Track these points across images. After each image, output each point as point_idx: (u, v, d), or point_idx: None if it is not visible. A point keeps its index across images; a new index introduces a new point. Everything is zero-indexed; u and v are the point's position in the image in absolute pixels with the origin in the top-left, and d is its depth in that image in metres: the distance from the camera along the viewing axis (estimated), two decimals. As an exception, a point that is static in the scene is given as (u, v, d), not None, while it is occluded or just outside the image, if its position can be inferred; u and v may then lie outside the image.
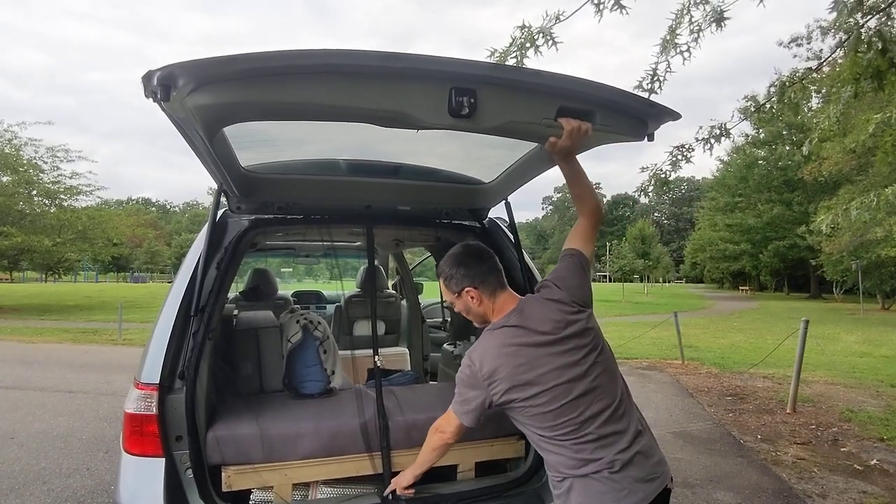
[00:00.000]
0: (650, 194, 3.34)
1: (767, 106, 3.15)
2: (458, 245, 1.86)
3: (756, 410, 6.18)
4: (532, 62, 2.45)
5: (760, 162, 42.33)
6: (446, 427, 1.85)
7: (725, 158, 46.56)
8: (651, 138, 1.80)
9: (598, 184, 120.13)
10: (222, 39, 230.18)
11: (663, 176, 3.25)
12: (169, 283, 2.70)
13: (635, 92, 2.96)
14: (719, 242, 45.20)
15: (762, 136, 40.81)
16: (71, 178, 20.68)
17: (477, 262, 1.77)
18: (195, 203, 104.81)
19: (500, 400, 1.66)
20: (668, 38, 3.04)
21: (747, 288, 51.59)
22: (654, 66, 2.82)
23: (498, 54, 2.48)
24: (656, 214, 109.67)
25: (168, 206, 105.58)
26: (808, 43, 21.97)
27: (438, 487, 2.23)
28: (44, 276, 52.47)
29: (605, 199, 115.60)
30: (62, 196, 20.66)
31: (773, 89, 3.52)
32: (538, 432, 1.66)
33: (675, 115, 1.73)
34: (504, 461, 2.51)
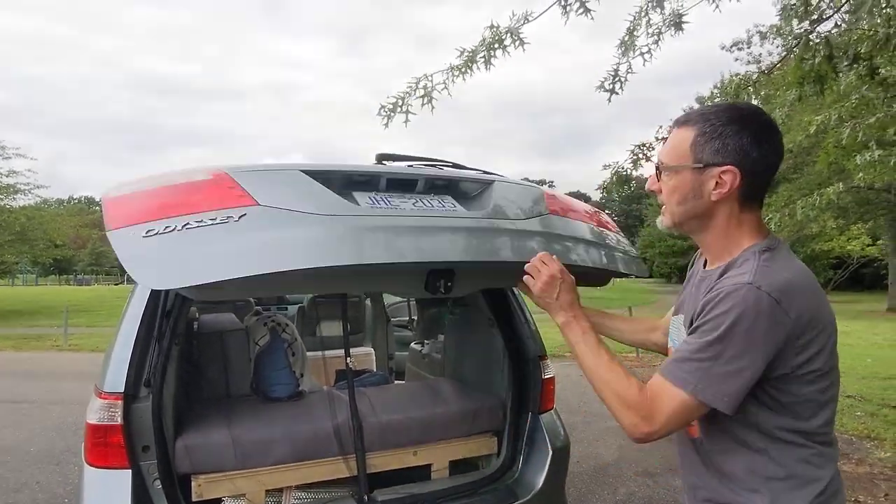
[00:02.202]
0: (611, 192, 3.43)
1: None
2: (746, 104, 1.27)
3: (709, 400, 6.42)
4: (500, 61, 2.49)
5: (705, 160, 43.89)
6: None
7: (673, 156, 48.00)
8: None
9: (552, 182, 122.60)
10: (171, 33, 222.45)
11: (624, 173, 3.35)
12: (116, 284, 2.59)
13: (598, 92, 3.04)
14: (667, 238, 46.75)
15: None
16: (7, 176, 19.58)
17: (773, 147, 1.07)
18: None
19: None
20: (626, 39, 3.12)
21: (695, 282, 53.47)
22: (615, 66, 2.90)
23: (467, 54, 2.51)
24: (607, 212, 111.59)
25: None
26: (749, 47, 22.97)
27: (413, 487, 2.24)
28: (-25, 280, 49.60)
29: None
30: (-2, 195, 19.55)
31: (716, 90, 3.66)
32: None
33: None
34: (477, 458, 2.54)
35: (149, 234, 1.36)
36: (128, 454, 1.90)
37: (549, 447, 2.41)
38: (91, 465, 1.93)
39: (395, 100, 2.65)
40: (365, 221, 1.58)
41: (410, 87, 2.63)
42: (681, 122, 1.13)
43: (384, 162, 2.02)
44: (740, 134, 1.05)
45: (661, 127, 3.23)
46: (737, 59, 24.01)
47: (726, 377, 0.99)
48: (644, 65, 2.86)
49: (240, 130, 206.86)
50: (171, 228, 1.37)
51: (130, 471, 1.89)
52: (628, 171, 3.35)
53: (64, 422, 5.43)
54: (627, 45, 3.10)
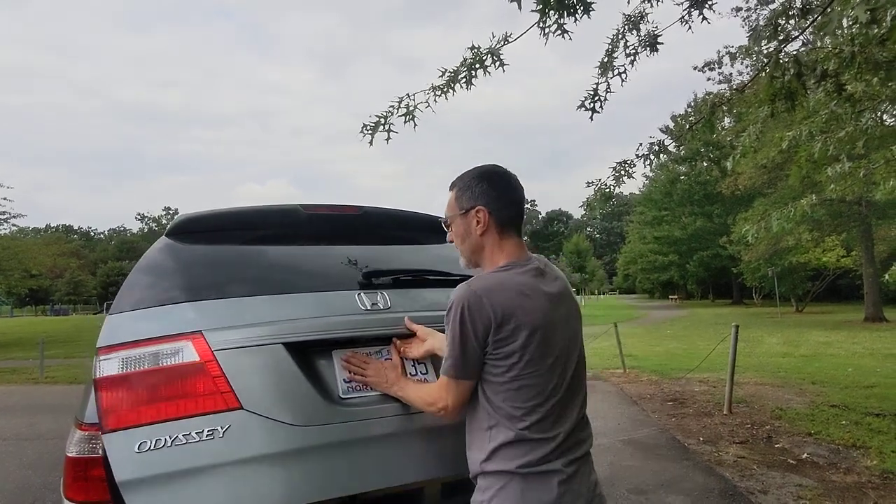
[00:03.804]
0: (594, 208, 3.48)
1: (699, 124, 3.37)
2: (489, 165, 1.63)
3: (696, 413, 6.44)
4: (480, 81, 2.52)
5: (682, 177, 44.86)
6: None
7: (651, 174, 49.08)
8: None
9: (534, 201, 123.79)
10: (153, 60, 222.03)
11: (607, 190, 3.40)
12: (95, 313, 2.52)
13: (579, 111, 3.09)
14: (649, 254, 47.43)
15: (682, 152, 43.32)
16: (-19, 205, 19.24)
17: (506, 188, 1.51)
18: (122, 229, 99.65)
19: None
20: (605, 60, 3.20)
21: (676, 297, 54.18)
22: (594, 86, 2.95)
23: (448, 74, 2.54)
24: (589, 229, 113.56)
25: (92, 233, 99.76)
26: (720, 67, 23.68)
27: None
28: (-53, 313, 48.23)
29: (539, 216, 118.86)
30: (-29, 225, 19.17)
31: (690, 109, 3.75)
32: None
33: None
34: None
35: (141, 449, 1.50)
36: (109, 487, 1.83)
37: None
38: (70, 500, 1.85)
39: (377, 118, 2.67)
40: (346, 433, 1.64)
41: (393, 106, 2.65)
42: (450, 187, 1.56)
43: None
44: (482, 183, 1.49)
45: (640, 144, 3.30)
46: (709, 79, 24.73)
47: (455, 357, 1.38)
48: (622, 84, 2.93)
49: (224, 156, 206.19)
50: (161, 444, 1.51)
51: (111, 505, 1.83)
52: (611, 187, 3.40)
53: (40, 458, 5.26)
54: (606, 66, 3.17)
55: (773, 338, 15.40)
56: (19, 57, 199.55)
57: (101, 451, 1.83)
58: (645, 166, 3.25)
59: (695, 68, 23.38)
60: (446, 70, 2.52)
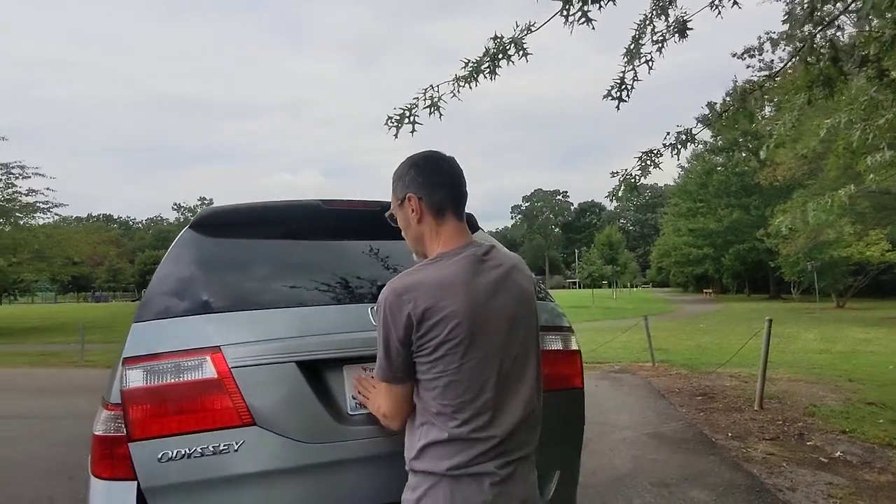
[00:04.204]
0: (620, 199, 3.41)
1: (730, 112, 3.26)
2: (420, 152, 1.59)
3: (725, 409, 6.32)
4: (504, 71, 2.50)
5: (719, 168, 43.70)
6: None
7: (686, 165, 47.97)
8: None
9: (566, 191, 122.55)
10: (187, 53, 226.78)
11: (633, 181, 3.33)
12: (133, 301, 2.61)
13: (605, 100, 3.04)
14: (683, 247, 46.43)
15: (720, 142, 42.23)
16: (27, 195, 19.97)
17: (435, 172, 1.44)
18: (159, 218, 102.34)
19: None
20: (632, 48, 3.13)
21: (710, 291, 53.02)
22: (620, 74, 2.90)
23: (472, 64, 2.52)
24: (622, 221, 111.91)
25: (131, 223, 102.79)
26: (760, 54, 22.87)
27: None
28: (-3, 298, 50.40)
29: (571, 207, 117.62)
30: (18, 214, 19.89)
31: (728, 98, 3.64)
32: None
33: None
34: None
35: (162, 459, 1.64)
36: (132, 462, 1.89)
37: None
38: (97, 476, 1.92)
39: (402, 110, 2.68)
40: (353, 450, 1.72)
41: (417, 97, 2.65)
42: (392, 182, 1.53)
43: None
44: (409, 171, 1.45)
45: (668, 133, 3.22)
46: (748, 67, 23.96)
47: (380, 360, 1.35)
48: (649, 72, 2.86)
49: (256, 147, 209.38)
50: (180, 455, 1.64)
51: (136, 482, 1.89)
52: (636, 178, 3.33)
53: (76, 436, 5.47)
54: (633, 54, 3.11)
55: (810, 333, 14.95)
56: (61, 50, 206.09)
57: (125, 430, 1.90)
58: (672, 156, 3.18)
59: (734, 55, 22.72)
60: (469, 60, 2.51)
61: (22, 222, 19.90)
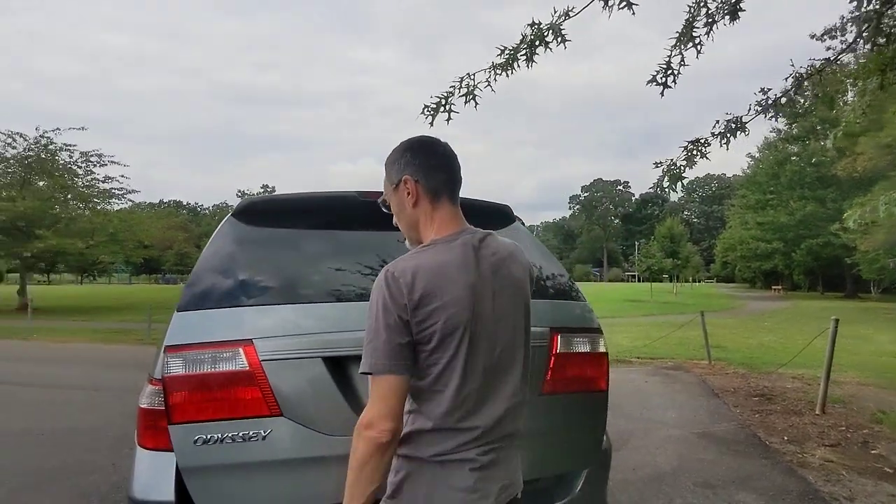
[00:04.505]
0: (668, 190, 3.28)
1: (783, 100, 3.07)
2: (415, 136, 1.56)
3: (784, 411, 6.02)
4: (542, 58, 2.44)
5: (793, 158, 41.31)
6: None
7: (756, 155, 45.64)
8: None
9: (627, 182, 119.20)
10: (253, 44, 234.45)
11: (677, 171, 3.19)
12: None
13: (650, 86, 2.93)
14: (750, 241, 44.32)
15: (794, 131, 39.85)
16: (104, 181, 21.27)
17: (431, 155, 1.41)
18: (224, 205, 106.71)
19: None
20: (684, 30, 2.99)
21: (780, 287, 50.38)
22: (666, 59, 2.78)
23: (508, 52, 2.48)
24: (686, 213, 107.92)
25: (198, 209, 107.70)
26: (843, 35, 21.30)
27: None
28: (79, 278, 54.13)
29: (633, 198, 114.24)
30: (95, 199, 21.25)
31: (787, 82, 3.41)
32: None
33: None
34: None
35: (196, 442, 1.77)
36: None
37: None
38: (142, 447, 2.05)
39: (438, 99, 2.67)
40: None
41: (453, 86, 2.63)
42: (385, 166, 1.47)
43: None
44: (405, 154, 1.40)
45: (717, 122, 3.05)
46: (829, 49, 22.39)
47: (373, 347, 1.22)
48: (697, 57, 2.73)
49: (318, 136, 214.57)
50: (213, 440, 1.77)
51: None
52: (681, 168, 3.18)
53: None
54: (685, 36, 2.97)
55: (885, 335, 13.99)
56: (136, 44, 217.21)
57: (166, 413, 2.01)
58: (721, 145, 3.01)
59: (812, 37, 21.26)
60: (506, 48, 2.47)
61: (99, 207, 21.26)
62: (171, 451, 1.99)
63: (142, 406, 2.04)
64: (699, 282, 70.65)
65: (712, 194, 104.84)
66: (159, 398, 2.03)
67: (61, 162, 20.31)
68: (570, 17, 2.39)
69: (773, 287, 51.14)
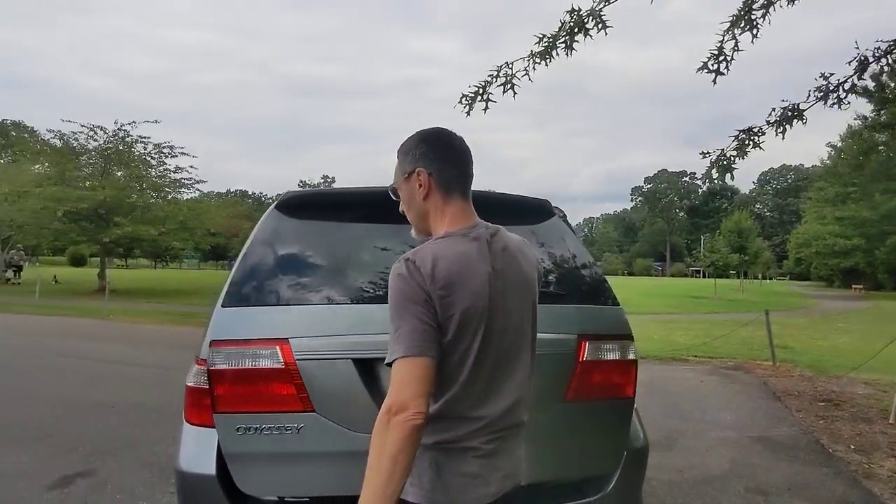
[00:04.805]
0: (713, 182, 3.13)
1: (844, 84, 2.84)
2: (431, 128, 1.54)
3: (851, 418, 5.67)
4: (581, 46, 2.38)
5: (880, 148, 38.47)
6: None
7: (839, 144, 42.77)
8: None
9: (693, 173, 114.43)
10: (316, 37, 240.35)
11: (727, 162, 3.02)
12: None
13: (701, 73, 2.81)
14: (827, 237, 41.75)
15: (883, 118, 37.10)
16: (175, 172, 22.42)
17: (446, 149, 1.41)
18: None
19: None
20: (740, 13, 2.84)
21: (861, 287, 47.15)
22: (718, 44, 2.64)
23: (546, 40, 2.43)
24: (758, 206, 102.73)
25: (263, 198, 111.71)
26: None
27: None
28: (153, 263, 57.47)
29: (699, 190, 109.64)
30: (167, 189, 22.45)
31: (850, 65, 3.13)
32: None
33: None
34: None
35: (238, 431, 1.92)
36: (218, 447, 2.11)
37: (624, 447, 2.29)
38: (188, 422, 2.17)
39: (476, 88, 2.65)
40: None
41: (491, 75, 2.61)
42: (397, 154, 1.46)
43: None
44: (420, 146, 1.40)
45: (773, 110, 2.86)
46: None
47: (400, 332, 1.20)
48: (752, 41, 2.58)
49: (377, 127, 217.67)
50: (253, 430, 1.92)
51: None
52: (731, 159, 3.01)
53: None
54: (741, 19, 2.81)
55: (979, 341, 12.86)
56: (203, 40, 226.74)
57: (211, 405, 2.11)
58: (777, 134, 2.83)
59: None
60: (544, 35, 2.42)
61: (170, 197, 22.46)
62: (214, 427, 2.10)
63: (188, 384, 2.16)
64: (770, 279, 67.24)
65: (787, 186, 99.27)
66: (204, 377, 2.14)
67: (137, 153, 21.56)
68: (609, 3, 2.31)
69: (854, 286, 47.94)
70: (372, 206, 2.34)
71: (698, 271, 67.43)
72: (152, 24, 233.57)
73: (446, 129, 1.45)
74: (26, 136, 36.38)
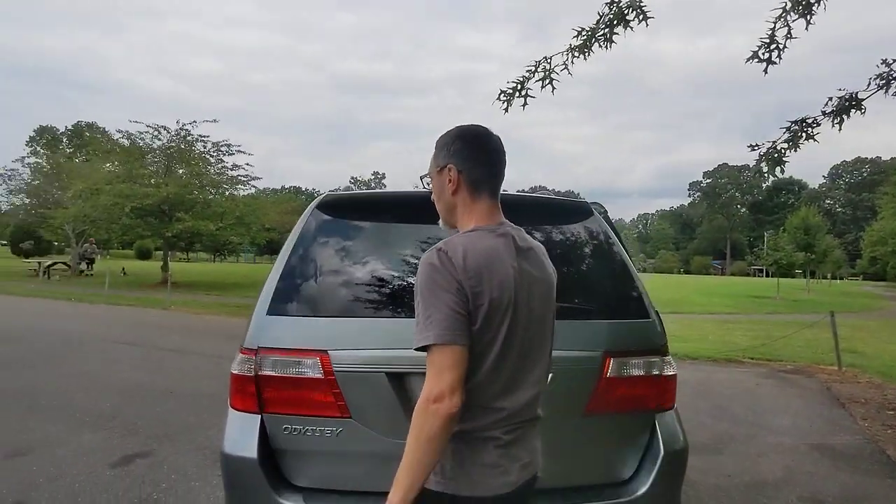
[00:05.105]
0: (763, 176, 2.98)
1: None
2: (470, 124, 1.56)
3: (923, 429, 5.32)
4: (621, 38, 2.32)
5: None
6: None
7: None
8: None
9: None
10: (367, 35, 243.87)
11: (777, 155, 2.87)
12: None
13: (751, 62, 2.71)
14: (903, 234, 39.06)
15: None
16: (232, 169, 23.23)
17: (480, 149, 1.44)
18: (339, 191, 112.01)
19: None
20: None
21: (942, 288, 43.99)
22: (770, 31, 2.53)
23: (585, 33, 2.39)
24: (828, 201, 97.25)
25: (315, 194, 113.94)
26: None
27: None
28: (213, 256, 59.84)
29: (763, 185, 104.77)
30: (225, 186, 23.30)
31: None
32: None
33: None
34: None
35: (284, 431, 2.11)
36: (258, 401, 2.20)
37: (662, 448, 2.25)
38: (233, 408, 2.27)
39: (514, 84, 2.64)
40: None
41: (530, 69, 2.59)
42: (435, 145, 1.49)
43: None
44: (455, 142, 1.43)
45: (829, 100, 2.69)
46: None
47: (432, 320, 1.22)
48: (807, 28, 2.45)
49: (426, 123, 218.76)
50: (298, 431, 2.11)
51: (260, 416, 2.20)
52: (782, 151, 2.86)
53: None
54: (798, 5, 2.68)
55: None
56: (261, 39, 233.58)
57: (254, 372, 2.22)
58: (833, 125, 2.67)
59: None
60: (583, 29, 2.37)
61: (227, 193, 23.30)
62: (257, 413, 2.20)
63: (233, 372, 2.26)
64: (840, 279, 63.59)
65: (862, 180, 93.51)
66: (248, 365, 2.24)
67: (197, 152, 22.46)
68: (651, -8, 2.25)
69: (936, 287, 44.73)
70: (410, 211, 2.38)
71: (761, 270, 64.48)
72: (215, 26, 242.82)
73: (484, 128, 1.47)
74: (98, 136, 38.58)
